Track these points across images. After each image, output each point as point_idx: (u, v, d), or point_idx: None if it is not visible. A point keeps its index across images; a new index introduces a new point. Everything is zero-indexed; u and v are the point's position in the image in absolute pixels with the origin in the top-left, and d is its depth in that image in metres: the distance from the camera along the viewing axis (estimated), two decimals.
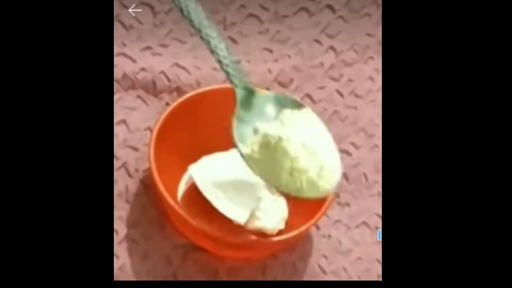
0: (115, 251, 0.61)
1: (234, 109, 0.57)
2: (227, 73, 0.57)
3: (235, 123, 0.56)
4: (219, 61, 0.57)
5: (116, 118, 0.65)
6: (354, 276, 0.65)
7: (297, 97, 0.71)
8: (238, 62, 0.57)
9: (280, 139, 0.55)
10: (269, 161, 0.55)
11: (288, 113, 0.57)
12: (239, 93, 0.57)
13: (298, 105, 0.58)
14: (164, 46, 0.70)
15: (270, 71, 0.71)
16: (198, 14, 0.56)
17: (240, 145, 0.56)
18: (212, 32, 0.56)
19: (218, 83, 0.66)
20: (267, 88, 0.70)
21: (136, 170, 0.64)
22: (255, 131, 0.56)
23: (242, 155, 0.56)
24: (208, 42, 0.57)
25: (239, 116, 0.57)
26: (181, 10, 0.57)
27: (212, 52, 0.57)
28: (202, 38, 0.57)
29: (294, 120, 0.57)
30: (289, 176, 0.55)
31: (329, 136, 0.58)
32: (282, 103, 0.58)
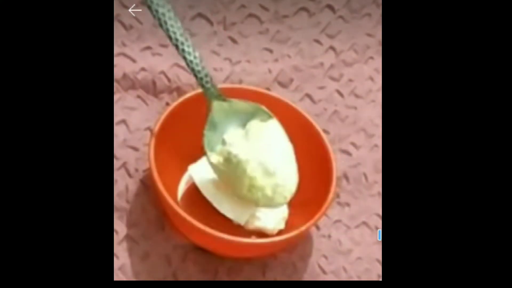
0: (115, 251, 0.61)
1: (205, 122, 0.59)
2: (202, 86, 0.59)
3: (206, 135, 0.59)
4: (195, 76, 0.59)
5: (116, 118, 0.65)
6: (354, 276, 0.64)
7: (297, 97, 0.71)
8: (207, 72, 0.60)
9: (240, 160, 0.58)
10: (231, 174, 0.59)
11: (254, 124, 0.60)
12: (213, 107, 0.60)
13: (265, 116, 0.60)
14: (164, 46, 0.69)
15: (270, 71, 0.71)
16: (176, 30, 0.58)
17: (209, 153, 0.59)
18: (188, 48, 0.58)
19: (218, 83, 0.66)
20: (267, 88, 0.70)
21: (136, 170, 0.64)
22: (223, 142, 0.59)
23: (210, 162, 0.59)
24: (184, 58, 0.59)
25: (209, 130, 0.59)
26: (160, 25, 0.58)
27: (188, 66, 0.59)
28: (179, 53, 0.59)
29: (258, 133, 0.59)
30: (247, 191, 0.58)
31: (290, 148, 0.59)
32: (251, 113, 0.60)
